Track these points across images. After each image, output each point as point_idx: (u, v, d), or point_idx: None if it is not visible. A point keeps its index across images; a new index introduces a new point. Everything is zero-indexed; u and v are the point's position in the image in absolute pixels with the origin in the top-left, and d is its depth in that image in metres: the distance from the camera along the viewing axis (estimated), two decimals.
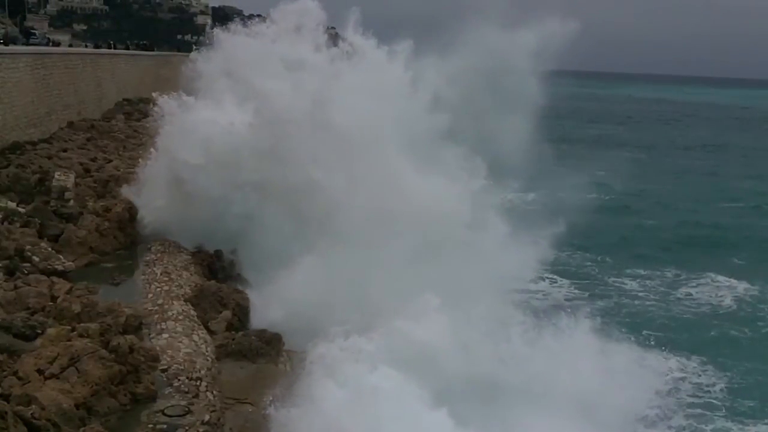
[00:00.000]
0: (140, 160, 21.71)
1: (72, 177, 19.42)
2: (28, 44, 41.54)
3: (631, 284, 27.24)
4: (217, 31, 22.69)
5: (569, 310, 18.62)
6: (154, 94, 21.42)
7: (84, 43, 71.51)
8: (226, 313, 13.88)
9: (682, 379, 18.74)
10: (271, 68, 19.80)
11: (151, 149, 20.23)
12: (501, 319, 16.63)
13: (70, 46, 59.19)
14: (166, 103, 19.82)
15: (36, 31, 55.93)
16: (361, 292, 14.71)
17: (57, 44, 52.77)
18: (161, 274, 15.02)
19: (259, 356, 12.29)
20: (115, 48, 66.38)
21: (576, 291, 25.59)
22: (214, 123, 18.59)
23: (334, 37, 22.42)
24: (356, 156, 18.12)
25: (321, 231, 16.81)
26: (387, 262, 15.79)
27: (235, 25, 21.52)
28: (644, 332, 21.50)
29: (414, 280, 15.20)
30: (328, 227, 16.83)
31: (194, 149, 18.11)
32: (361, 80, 19.96)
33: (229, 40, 20.91)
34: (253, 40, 20.70)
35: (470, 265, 17.26)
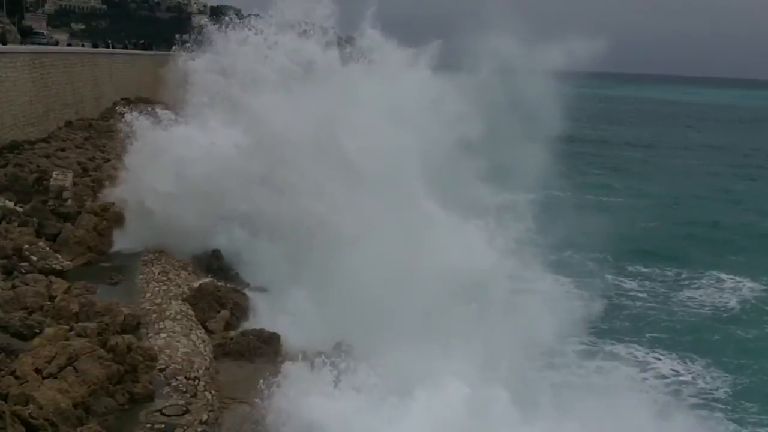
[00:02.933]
0: (106, 183, 19.00)
1: (70, 176, 19.37)
2: (32, 44, 41.51)
3: (633, 284, 27.20)
4: (205, 21, 20.74)
5: (607, 364, 16.96)
6: (118, 108, 19.67)
7: (81, 42, 71.38)
8: (225, 313, 13.86)
9: (687, 383, 18.57)
10: (270, 71, 17.82)
11: (120, 170, 17.51)
12: (529, 385, 14.07)
13: (69, 45, 59.10)
14: (135, 119, 17.10)
15: (43, 32, 56.20)
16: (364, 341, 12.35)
17: (56, 44, 52.78)
18: (159, 274, 14.99)
19: (257, 356, 12.28)
20: (113, 47, 66.27)
21: (577, 291, 25.52)
22: (191, 142, 15.95)
23: (341, 40, 20.75)
24: (370, 190, 15.79)
25: (324, 276, 14.28)
26: (403, 321, 13.26)
27: (230, 18, 19.41)
28: (648, 335, 21.37)
29: (432, 335, 12.96)
30: (333, 272, 14.32)
31: (165, 174, 15.55)
32: (379, 89, 17.79)
33: (221, 38, 18.85)
34: (252, 33, 18.70)
35: (504, 324, 14.78)
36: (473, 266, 15.33)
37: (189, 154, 15.78)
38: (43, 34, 53.17)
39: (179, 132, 16.44)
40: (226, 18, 19.60)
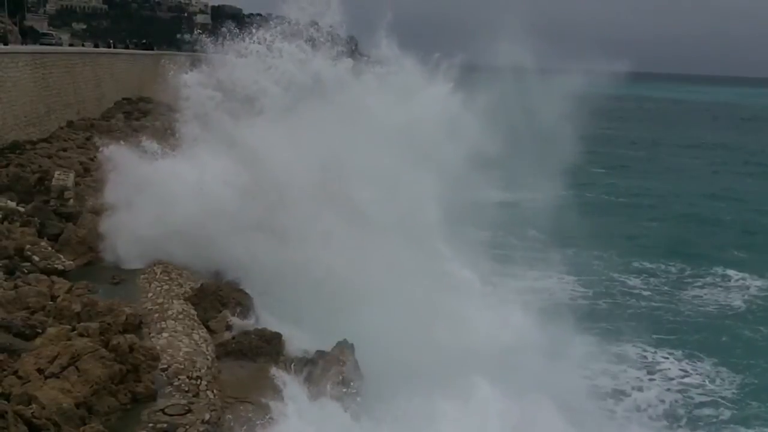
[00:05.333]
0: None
1: (72, 176, 19.39)
2: (42, 44, 41.84)
3: (638, 282, 27.03)
4: (199, 32, 18.88)
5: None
6: (96, 141, 16.93)
7: (81, 42, 71.54)
8: (226, 312, 13.86)
9: (696, 384, 18.37)
10: (273, 83, 16.43)
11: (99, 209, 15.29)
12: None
13: (71, 45, 59.28)
14: (116, 153, 15.53)
15: (52, 32, 56.84)
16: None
17: (60, 44, 53.06)
18: (161, 273, 14.96)
19: (259, 355, 12.28)
20: (114, 47, 66.37)
21: (582, 289, 25.43)
22: (176, 179, 14.22)
23: (353, 51, 19.47)
24: (385, 243, 14.00)
25: (330, 332, 12.23)
26: (418, 377, 11.34)
27: (228, 29, 17.67)
28: (654, 335, 21.17)
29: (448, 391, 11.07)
30: (344, 329, 12.22)
31: (145, 214, 13.96)
32: (394, 107, 16.34)
33: (218, 51, 17.15)
34: (253, 42, 17.06)
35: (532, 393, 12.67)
36: (500, 339, 13.82)
37: (174, 193, 14.01)
38: (51, 35, 53.99)
39: (164, 167, 14.67)
40: (224, 29, 18.02)
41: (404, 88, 17.87)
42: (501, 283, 16.63)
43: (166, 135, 17.29)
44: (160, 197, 14.03)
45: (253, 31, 17.89)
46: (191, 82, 16.97)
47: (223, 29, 18.25)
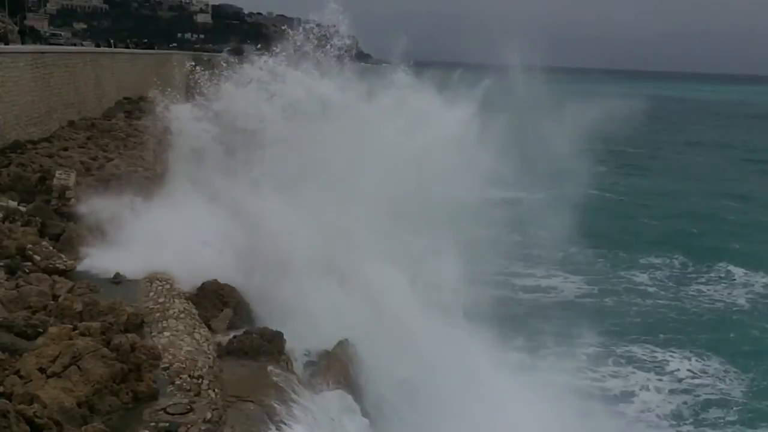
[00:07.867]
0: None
1: (73, 176, 19.35)
2: (51, 44, 42.13)
3: (644, 280, 27.10)
4: (192, 64, 17.34)
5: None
6: (73, 186, 16.10)
7: (81, 42, 71.68)
8: (228, 311, 13.83)
9: (704, 385, 18.44)
10: (276, 112, 15.06)
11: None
12: None
13: (73, 45, 59.43)
14: (98, 206, 14.72)
15: (60, 33, 57.48)
16: None
17: (68, 44, 53.40)
18: (162, 272, 14.92)
19: (261, 354, 12.24)
20: (115, 47, 66.40)
21: (587, 287, 25.42)
22: (160, 239, 13.06)
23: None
24: (406, 331, 12.93)
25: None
26: None
27: (226, 60, 16.45)
28: (661, 335, 21.22)
29: None
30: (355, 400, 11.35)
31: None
32: (410, 141, 15.13)
33: (213, 85, 15.61)
34: (256, 67, 15.82)
35: None
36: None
37: (157, 258, 12.99)
38: (60, 35, 54.74)
39: (147, 224, 13.63)
40: (221, 56, 17.11)
41: (421, 113, 16.59)
42: (542, 373, 16.39)
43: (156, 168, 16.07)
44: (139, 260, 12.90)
45: (255, 58, 16.80)
46: (183, 116, 15.48)
47: (222, 62, 17.01)
